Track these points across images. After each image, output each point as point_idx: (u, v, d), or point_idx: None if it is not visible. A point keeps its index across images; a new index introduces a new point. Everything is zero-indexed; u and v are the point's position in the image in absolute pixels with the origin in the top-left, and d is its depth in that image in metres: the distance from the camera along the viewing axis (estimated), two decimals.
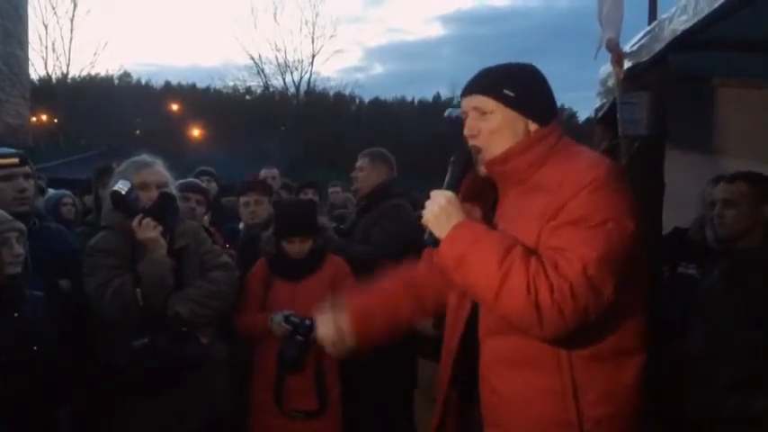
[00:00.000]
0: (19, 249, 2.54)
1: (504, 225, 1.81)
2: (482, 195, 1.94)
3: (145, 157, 3.05)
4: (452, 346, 1.96)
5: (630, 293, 1.73)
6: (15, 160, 2.62)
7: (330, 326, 2.03)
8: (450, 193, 1.79)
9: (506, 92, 1.83)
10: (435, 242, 1.75)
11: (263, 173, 5.83)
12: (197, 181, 4.13)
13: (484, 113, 1.85)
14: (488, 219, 1.90)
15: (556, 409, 1.73)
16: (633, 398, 1.78)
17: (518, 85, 1.84)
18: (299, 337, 3.23)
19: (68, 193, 5.84)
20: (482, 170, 1.88)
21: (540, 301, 1.59)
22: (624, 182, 1.75)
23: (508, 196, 1.87)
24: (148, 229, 2.76)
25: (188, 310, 2.84)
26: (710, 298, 2.75)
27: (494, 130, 1.84)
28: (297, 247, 3.45)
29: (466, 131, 1.88)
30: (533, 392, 1.76)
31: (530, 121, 1.84)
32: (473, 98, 1.87)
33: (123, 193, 2.78)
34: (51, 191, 6.06)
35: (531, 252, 1.66)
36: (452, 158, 1.91)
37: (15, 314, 2.52)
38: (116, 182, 2.86)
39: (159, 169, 3.00)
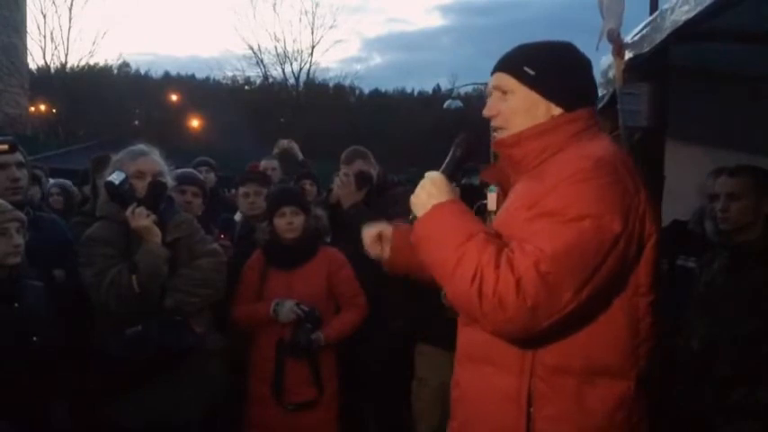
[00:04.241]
0: (19, 240, 2.53)
1: (501, 213, 1.75)
2: (506, 178, 1.83)
3: (141, 146, 3.04)
4: None
5: (615, 305, 1.59)
6: (5, 146, 2.59)
7: (374, 230, 1.99)
8: (437, 175, 1.70)
9: (526, 69, 1.69)
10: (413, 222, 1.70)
11: (263, 164, 5.80)
12: (194, 172, 4.08)
13: (505, 93, 1.73)
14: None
15: (507, 415, 1.62)
16: (599, 427, 1.58)
17: (541, 64, 1.69)
18: (309, 325, 3.25)
19: (57, 182, 5.83)
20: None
21: (482, 292, 1.47)
22: (621, 175, 1.57)
23: (518, 181, 1.75)
24: (141, 218, 2.77)
25: (173, 300, 2.83)
26: (711, 291, 2.75)
27: (513, 110, 1.71)
28: (288, 220, 3.40)
29: (485, 111, 1.77)
30: (489, 392, 1.66)
31: (552, 105, 1.69)
32: (496, 76, 1.75)
33: (116, 183, 2.80)
34: (52, 181, 6.05)
35: (495, 242, 1.54)
36: (456, 140, 1.84)
37: (15, 304, 2.52)
38: (111, 172, 2.86)
39: (155, 158, 3.00)
